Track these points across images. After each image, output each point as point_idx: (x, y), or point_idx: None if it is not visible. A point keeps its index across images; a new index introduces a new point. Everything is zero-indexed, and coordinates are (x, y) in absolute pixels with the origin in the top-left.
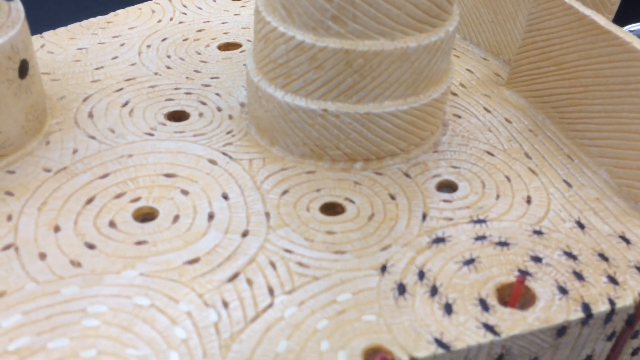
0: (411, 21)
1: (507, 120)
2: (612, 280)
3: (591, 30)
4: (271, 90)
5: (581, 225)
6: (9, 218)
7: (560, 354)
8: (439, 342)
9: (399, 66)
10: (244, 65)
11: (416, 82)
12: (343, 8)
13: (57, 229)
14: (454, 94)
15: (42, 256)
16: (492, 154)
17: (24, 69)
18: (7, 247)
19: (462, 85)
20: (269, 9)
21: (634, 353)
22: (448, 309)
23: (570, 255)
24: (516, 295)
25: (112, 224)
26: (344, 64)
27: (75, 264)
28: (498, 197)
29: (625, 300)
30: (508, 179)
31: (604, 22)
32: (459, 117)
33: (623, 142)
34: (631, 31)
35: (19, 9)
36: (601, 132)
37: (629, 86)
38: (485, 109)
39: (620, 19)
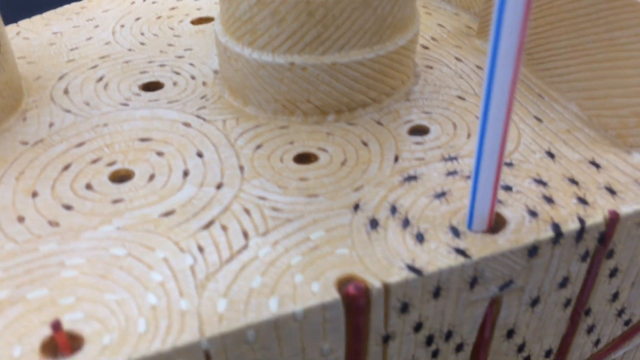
0: None
1: (478, 67)
2: (582, 201)
3: None
4: (238, 48)
5: (551, 155)
6: None
7: (534, 276)
8: (411, 268)
9: (362, 13)
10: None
11: (381, 30)
12: None
13: (34, 194)
14: (425, 47)
15: (21, 219)
16: (463, 99)
17: None
18: None
19: (433, 39)
20: None
21: (611, 274)
22: (420, 237)
23: (540, 182)
24: None
25: (88, 187)
26: (306, 15)
27: (53, 223)
28: (469, 136)
29: (595, 218)
30: (479, 118)
31: None
32: (431, 67)
33: (590, 74)
34: None
35: None
36: (569, 67)
37: (590, 17)
38: (457, 58)
39: None
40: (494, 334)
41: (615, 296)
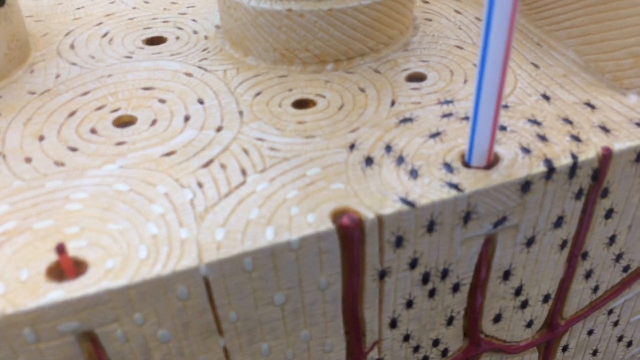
0: None
1: (477, 18)
2: (576, 139)
3: None
4: None
5: (546, 98)
6: None
7: (528, 213)
8: (404, 200)
9: None
10: None
11: None
12: None
13: (41, 138)
14: (425, 2)
15: (28, 160)
16: (461, 48)
17: None
18: None
19: None
20: None
21: (607, 215)
22: (414, 173)
23: (534, 122)
24: None
25: (93, 131)
26: None
27: (59, 163)
28: (466, 81)
29: (587, 154)
30: (476, 66)
31: None
32: (430, 20)
33: (586, 18)
34: None
35: None
36: (566, 13)
37: None
38: (456, 11)
39: None
40: (490, 274)
41: (612, 239)
